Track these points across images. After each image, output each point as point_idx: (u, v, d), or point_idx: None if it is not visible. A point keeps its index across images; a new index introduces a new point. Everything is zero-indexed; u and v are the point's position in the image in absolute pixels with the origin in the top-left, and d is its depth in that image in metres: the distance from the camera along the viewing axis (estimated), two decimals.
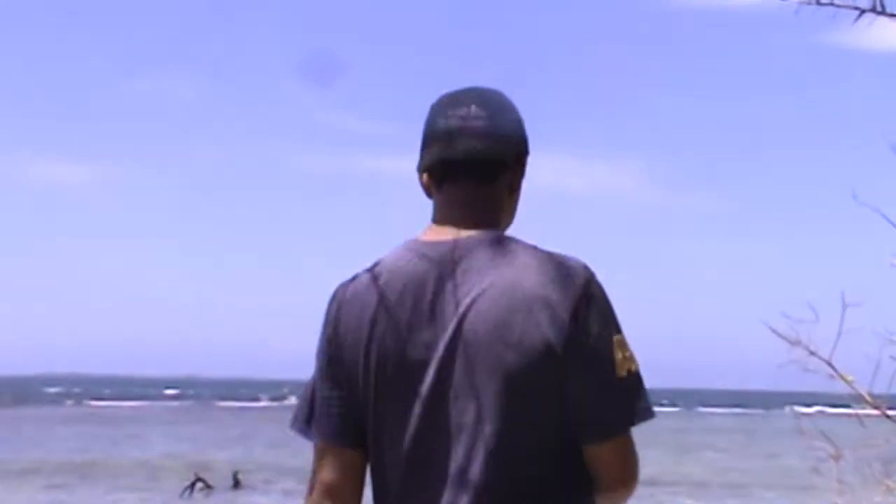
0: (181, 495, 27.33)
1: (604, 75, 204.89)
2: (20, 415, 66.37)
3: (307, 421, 2.65)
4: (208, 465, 31.61)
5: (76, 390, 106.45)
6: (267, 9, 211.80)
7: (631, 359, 2.50)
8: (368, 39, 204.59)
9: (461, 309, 2.44)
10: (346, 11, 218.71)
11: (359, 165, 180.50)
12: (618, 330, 2.49)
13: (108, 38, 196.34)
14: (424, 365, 2.45)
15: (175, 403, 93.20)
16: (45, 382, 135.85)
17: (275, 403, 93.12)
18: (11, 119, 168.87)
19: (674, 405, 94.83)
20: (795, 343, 5.47)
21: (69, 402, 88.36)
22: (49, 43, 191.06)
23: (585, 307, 2.44)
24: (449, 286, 2.47)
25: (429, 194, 2.63)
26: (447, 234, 2.54)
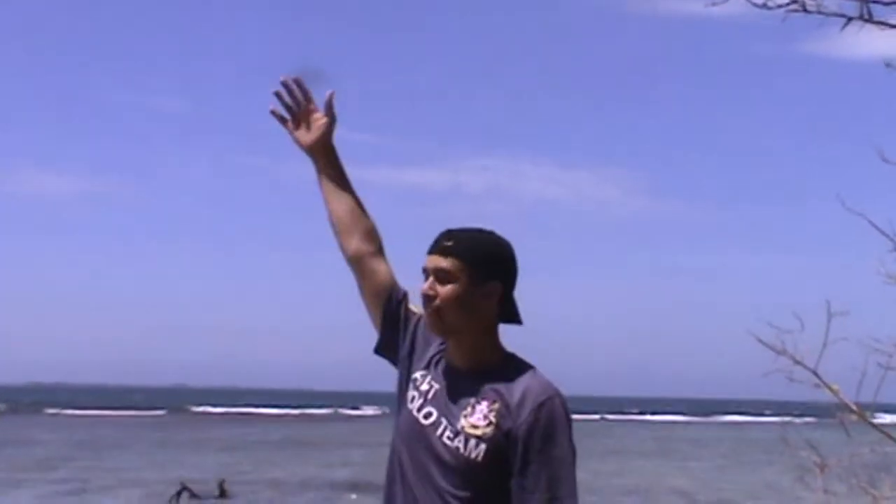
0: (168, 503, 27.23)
1: (588, 85, 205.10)
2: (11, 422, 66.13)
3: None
4: (193, 473, 31.49)
5: (62, 399, 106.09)
6: (253, 19, 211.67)
7: None
8: (356, 50, 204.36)
9: None
10: (333, 22, 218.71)
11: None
12: None
13: (94, 49, 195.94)
14: None
15: (160, 412, 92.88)
16: (30, 392, 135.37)
17: (267, 412, 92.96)
18: None
19: (658, 414, 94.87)
20: (781, 352, 5.45)
21: (51, 410, 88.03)
22: (36, 54, 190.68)
23: None
24: None
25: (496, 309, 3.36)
26: None
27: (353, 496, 28.62)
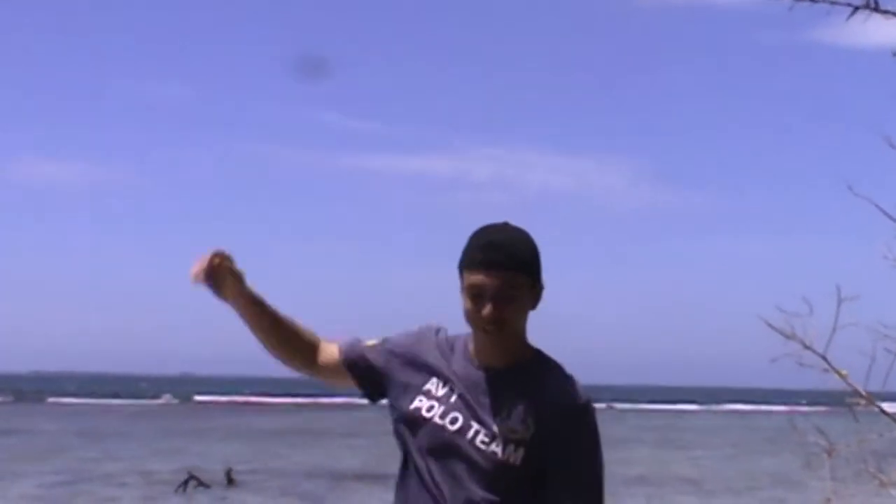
0: (176, 492, 27.30)
1: (594, 74, 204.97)
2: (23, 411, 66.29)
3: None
4: (199, 462, 31.54)
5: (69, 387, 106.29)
6: (255, 9, 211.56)
7: None
8: (362, 38, 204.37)
9: None
10: (333, 11, 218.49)
11: (347, 162, 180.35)
12: None
13: (97, 37, 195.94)
14: None
15: (165, 401, 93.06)
16: (36, 380, 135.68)
17: (273, 400, 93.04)
18: (0, 117, 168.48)
19: (666, 403, 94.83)
20: (790, 337, 5.46)
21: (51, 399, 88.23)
22: (39, 43, 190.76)
23: None
24: None
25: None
26: None
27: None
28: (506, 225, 3.25)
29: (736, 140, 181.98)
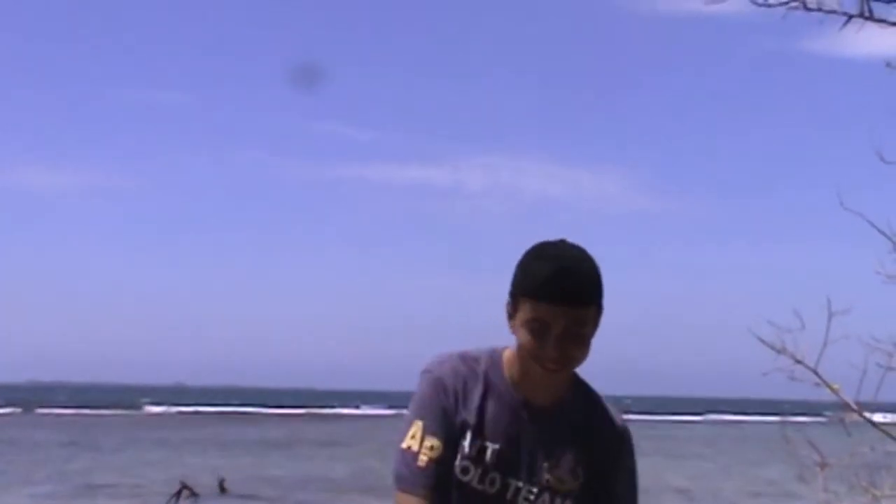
0: (168, 502, 27.23)
1: (588, 83, 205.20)
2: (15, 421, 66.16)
3: None
4: (191, 472, 31.48)
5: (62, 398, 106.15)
6: (254, 18, 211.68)
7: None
8: (358, 47, 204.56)
9: None
10: (332, 21, 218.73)
11: (345, 172, 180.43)
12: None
13: (95, 45, 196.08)
14: None
15: (159, 411, 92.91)
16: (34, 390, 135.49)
17: (266, 411, 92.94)
18: None
19: (657, 413, 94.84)
20: (781, 351, 5.45)
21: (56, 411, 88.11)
22: (37, 51, 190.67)
23: None
24: None
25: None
26: None
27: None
28: (571, 246, 2.84)
29: (729, 149, 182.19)
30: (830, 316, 5.32)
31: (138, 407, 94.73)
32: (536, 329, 2.77)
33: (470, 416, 2.87)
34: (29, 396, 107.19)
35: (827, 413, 6.07)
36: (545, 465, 2.86)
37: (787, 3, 5.21)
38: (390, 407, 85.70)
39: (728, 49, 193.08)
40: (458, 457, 2.86)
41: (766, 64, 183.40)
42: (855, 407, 5.57)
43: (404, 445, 2.86)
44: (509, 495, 2.86)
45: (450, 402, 2.88)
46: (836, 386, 5.55)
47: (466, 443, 2.86)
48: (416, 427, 2.87)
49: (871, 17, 5.13)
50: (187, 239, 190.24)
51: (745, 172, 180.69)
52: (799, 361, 5.43)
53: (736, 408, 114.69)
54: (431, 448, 2.85)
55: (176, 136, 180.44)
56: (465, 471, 2.86)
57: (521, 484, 2.86)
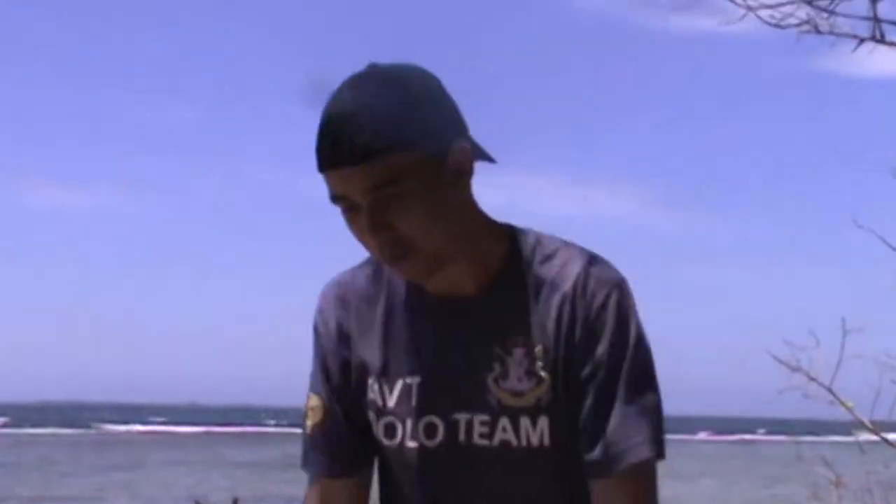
0: None
1: (602, 101, 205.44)
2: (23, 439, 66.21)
3: None
4: (203, 491, 31.47)
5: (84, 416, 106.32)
6: (263, 35, 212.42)
7: None
8: (364, 65, 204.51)
9: None
10: (341, 37, 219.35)
11: None
12: None
13: (106, 62, 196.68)
14: None
15: (171, 430, 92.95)
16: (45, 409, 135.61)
17: (280, 430, 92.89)
18: (8, 143, 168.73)
19: (671, 432, 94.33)
20: (796, 369, 5.48)
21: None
22: (47, 67, 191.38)
23: None
24: None
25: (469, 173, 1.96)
26: None
27: None
28: (354, 82, 1.87)
29: (743, 168, 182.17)
30: (845, 334, 5.36)
31: (152, 425, 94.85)
32: (346, 213, 1.83)
33: (369, 352, 1.97)
34: (42, 416, 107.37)
35: (841, 432, 6.10)
36: (489, 378, 1.89)
37: (799, 25, 5.27)
38: None
39: (741, 68, 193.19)
40: (373, 416, 1.97)
41: (780, 83, 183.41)
42: (870, 425, 5.60)
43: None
44: (461, 437, 1.91)
45: (330, 346, 2.01)
46: (850, 404, 5.58)
47: (375, 390, 1.96)
48: (308, 399, 2.05)
49: (882, 41, 5.18)
50: (198, 258, 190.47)
51: (760, 190, 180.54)
52: (813, 379, 5.47)
53: (750, 427, 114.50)
54: (312, 410, 2.03)
55: (184, 153, 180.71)
56: (389, 430, 1.95)
57: (469, 416, 1.90)
